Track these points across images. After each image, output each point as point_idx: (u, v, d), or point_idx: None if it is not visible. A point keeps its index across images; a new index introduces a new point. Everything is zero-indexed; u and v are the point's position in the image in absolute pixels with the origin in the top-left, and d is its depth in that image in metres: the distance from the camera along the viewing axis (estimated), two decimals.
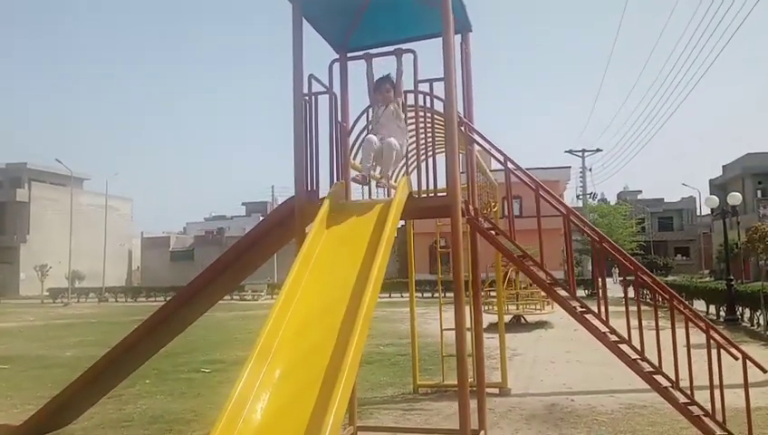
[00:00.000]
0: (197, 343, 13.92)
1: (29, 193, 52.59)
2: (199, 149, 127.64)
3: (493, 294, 15.76)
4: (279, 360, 3.35)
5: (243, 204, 74.66)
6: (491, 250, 6.45)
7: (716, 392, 5.04)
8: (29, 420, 6.16)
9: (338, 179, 5.34)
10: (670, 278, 37.44)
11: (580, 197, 42.23)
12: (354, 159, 5.80)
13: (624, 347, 5.11)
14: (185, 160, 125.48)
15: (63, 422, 6.42)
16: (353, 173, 5.52)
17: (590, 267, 31.52)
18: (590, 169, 43.95)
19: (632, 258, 5.54)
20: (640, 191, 69.92)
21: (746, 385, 5.16)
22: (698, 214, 64.67)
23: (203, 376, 10.32)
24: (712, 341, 5.15)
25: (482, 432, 5.79)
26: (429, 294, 29.12)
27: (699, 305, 18.96)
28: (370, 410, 7.60)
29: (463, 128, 5.67)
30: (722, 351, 5.15)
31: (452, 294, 4.77)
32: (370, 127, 5.41)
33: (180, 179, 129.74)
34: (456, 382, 4.98)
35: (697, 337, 5.31)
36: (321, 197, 4.91)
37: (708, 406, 5.03)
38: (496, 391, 8.46)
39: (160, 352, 6.73)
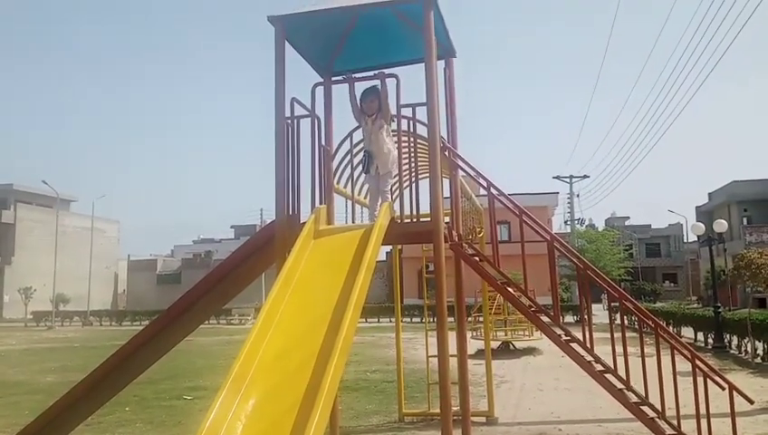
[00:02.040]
0: (181, 368, 13.70)
1: (15, 215, 52.02)
2: (188, 172, 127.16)
3: (481, 319, 15.66)
4: (254, 388, 3.25)
5: (231, 227, 74.33)
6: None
7: (703, 422, 4.98)
8: None
9: (320, 203, 5.29)
10: (659, 305, 37.47)
11: (569, 222, 42.34)
12: (338, 183, 5.75)
13: (609, 377, 5.04)
14: (173, 183, 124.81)
15: None
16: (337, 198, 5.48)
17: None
18: (578, 195, 44.12)
19: (616, 286, 5.50)
20: (628, 217, 70.18)
21: (733, 415, 5.11)
22: (685, 240, 64.92)
23: (184, 403, 10.12)
24: (698, 369, 5.10)
25: None
26: (419, 319, 28.99)
27: (687, 333, 18.94)
28: None
29: (446, 153, 5.65)
30: (708, 380, 5.10)
31: None
32: (363, 141, 5.45)
33: (168, 202, 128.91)
34: None
35: (684, 365, 5.25)
36: (302, 221, 4.85)
37: None
38: (483, 419, 8.35)
39: (142, 379, 6.56)
